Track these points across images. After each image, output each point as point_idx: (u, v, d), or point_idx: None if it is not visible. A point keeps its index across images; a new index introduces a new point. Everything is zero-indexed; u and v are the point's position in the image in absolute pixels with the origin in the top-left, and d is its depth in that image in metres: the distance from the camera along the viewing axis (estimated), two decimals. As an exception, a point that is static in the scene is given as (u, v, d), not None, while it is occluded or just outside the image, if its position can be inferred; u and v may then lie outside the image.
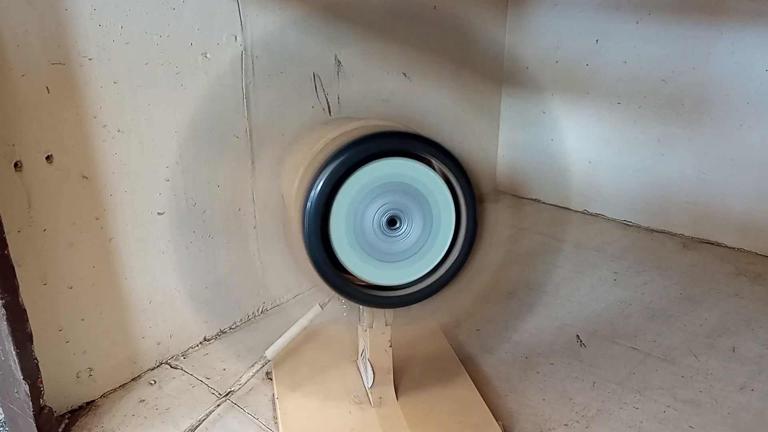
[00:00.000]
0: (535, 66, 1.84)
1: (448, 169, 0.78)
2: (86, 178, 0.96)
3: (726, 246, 1.63)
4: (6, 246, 0.80)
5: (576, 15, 1.72)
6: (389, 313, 0.93)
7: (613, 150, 1.76)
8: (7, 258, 0.80)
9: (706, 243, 1.66)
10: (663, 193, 1.70)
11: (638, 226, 1.77)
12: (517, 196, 2.02)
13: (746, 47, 1.47)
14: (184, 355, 1.18)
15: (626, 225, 1.79)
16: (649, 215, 1.75)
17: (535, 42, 1.82)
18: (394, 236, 0.79)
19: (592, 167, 1.82)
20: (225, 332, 1.25)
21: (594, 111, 1.76)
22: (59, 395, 1.00)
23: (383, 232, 0.78)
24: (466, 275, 0.84)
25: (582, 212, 1.88)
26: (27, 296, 0.85)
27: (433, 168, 0.79)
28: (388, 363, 0.97)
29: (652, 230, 1.74)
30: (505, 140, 2.00)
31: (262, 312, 1.32)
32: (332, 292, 0.79)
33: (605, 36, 1.68)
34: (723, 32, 1.49)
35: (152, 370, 1.14)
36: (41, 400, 0.89)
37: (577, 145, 1.83)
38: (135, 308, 1.08)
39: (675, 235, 1.71)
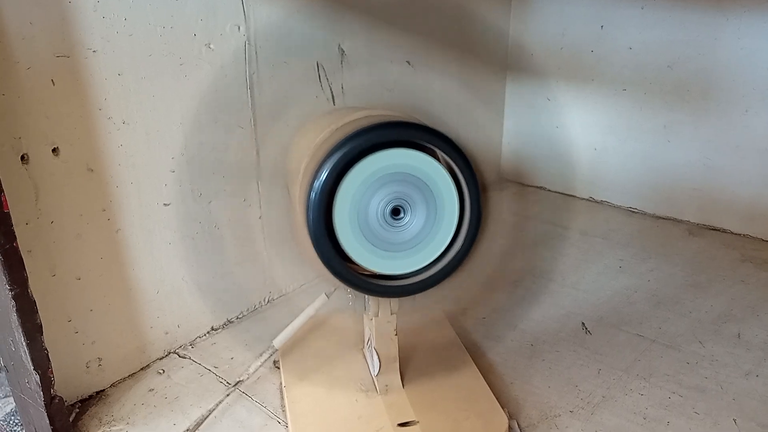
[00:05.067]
0: (539, 53, 1.83)
1: (451, 158, 0.78)
2: (92, 170, 0.97)
3: (732, 232, 1.63)
4: (15, 238, 0.81)
5: (581, 1, 1.70)
6: (394, 302, 0.93)
7: (619, 137, 1.76)
8: (16, 250, 0.81)
9: (712, 229, 1.65)
10: (669, 179, 1.70)
11: (644, 213, 1.77)
12: (522, 184, 2.01)
13: (752, 33, 1.46)
14: (192, 344, 1.19)
15: (632, 212, 1.78)
16: (655, 202, 1.75)
17: (539, 29, 1.81)
18: (398, 226, 0.79)
19: (597, 154, 1.81)
20: (232, 322, 1.26)
21: (599, 98, 1.76)
22: (69, 385, 1.02)
23: (387, 222, 0.78)
24: (471, 264, 0.84)
25: (587, 200, 1.88)
26: (36, 287, 0.86)
27: (437, 157, 0.79)
28: (394, 351, 0.98)
29: (658, 217, 1.74)
30: (510, 128, 1.99)
31: (268, 302, 1.33)
32: (338, 282, 0.79)
33: (610, 22, 1.67)
34: (729, 18, 1.48)
35: (161, 359, 1.15)
36: (52, 390, 0.90)
37: (582, 133, 1.82)
38: (143, 299, 1.09)
39: (681, 221, 1.71)
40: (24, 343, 0.85)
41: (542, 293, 1.36)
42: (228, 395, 1.04)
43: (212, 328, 1.23)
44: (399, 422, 0.92)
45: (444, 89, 1.68)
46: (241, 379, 1.07)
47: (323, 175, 0.74)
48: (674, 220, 1.72)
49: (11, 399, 1.04)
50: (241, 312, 1.29)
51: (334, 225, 0.76)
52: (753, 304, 1.30)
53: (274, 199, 1.26)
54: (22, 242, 0.84)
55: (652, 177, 1.73)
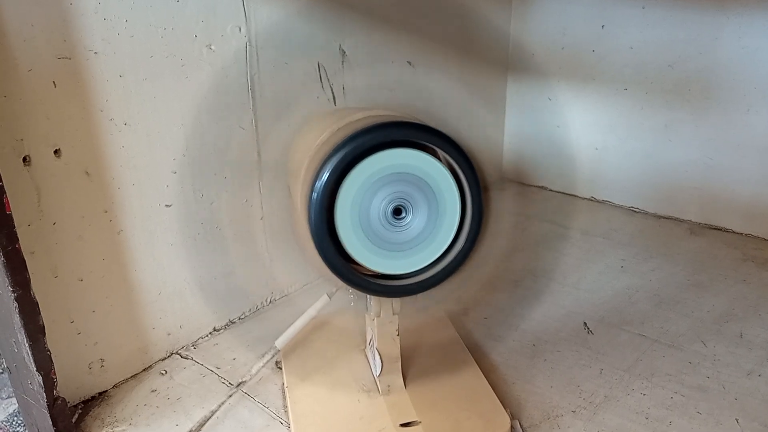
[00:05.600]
0: (540, 52, 1.83)
1: (453, 158, 0.78)
2: (93, 172, 0.97)
3: (733, 231, 1.63)
4: (17, 240, 0.81)
5: (582, 0, 1.70)
6: (396, 302, 0.93)
7: (620, 136, 1.76)
8: (19, 251, 0.81)
9: (714, 229, 1.65)
10: (670, 179, 1.70)
11: (645, 213, 1.77)
12: (523, 184, 2.01)
13: (753, 32, 1.46)
14: (194, 345, 1.19)
15: (633, 211, 1.78)
16: (656, 201, 1.75)
17: (540, 28, 1.81)
18: (400, 226, 0.79)
19: (598, 154, 1.81)
20: (234, 322, 1.26)
21: (600, 97, 1.76)
22: (72, 386, 1.02)
23: (389, 222, 0.78)
24: (472, 263, 0.84)
25: (589, 199, 1.88)
26: (38, 289, 0.86)
27: (438, 157, 0.79)
28: (396, 351, 0.98)
29: (659, 216, 1.74)
30: (511, 127, 1.99)
31: (270, 302, 1.33)
32: (340, 282, 0.79)
33: (611, 21, 1.67)
34: (730, 17, 1.48)
35: (163, 360, 1.15)
36: (54, 391, 0.90)
37: (583, 132, 1.82)
38: (145, 300, 1.09)
39: (682, 221, 1.70)
40: (27, 345, 0.85)
41: (544, 293, 1.36)
42: (230, 396, 1.04)
43: (214, 329, 1.23)
44: (401, 422, 0.92)
45: (445, 89, 1.68)
46: (243, 379, 1.07)
47: (325, 176, 0.74)
48: (676, 219, 1.72)
49: (14, 400, 1.04)
50: (243, 313, 1.29)
51: (335, 225, 0.76)
52: (755, 303, 1.30)
53: (275, 199, 1.26)
54: (25, 244, 0.84)
55: (654, 176, 1.73)
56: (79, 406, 1.03)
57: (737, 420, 0.97)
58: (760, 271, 1.43)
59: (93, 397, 1.05)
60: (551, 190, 1.95)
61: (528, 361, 1.12)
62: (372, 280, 0.81)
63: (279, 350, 1.09)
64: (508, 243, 1.61)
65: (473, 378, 1.03)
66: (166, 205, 1.08)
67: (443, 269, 0.82)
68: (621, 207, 1.81)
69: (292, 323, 1.08)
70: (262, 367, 1.08)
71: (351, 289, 0.81)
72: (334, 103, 1.33)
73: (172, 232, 1.10)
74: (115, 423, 0.99)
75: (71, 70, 0.90)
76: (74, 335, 1.00)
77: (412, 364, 1.05)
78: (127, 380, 1.09)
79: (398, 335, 0.97)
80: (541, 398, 1.03)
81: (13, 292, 0.82)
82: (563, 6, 1.74)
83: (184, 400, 1.04)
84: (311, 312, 1.08)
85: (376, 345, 0.97)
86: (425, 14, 1.54)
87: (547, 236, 1.66)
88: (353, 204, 0.76)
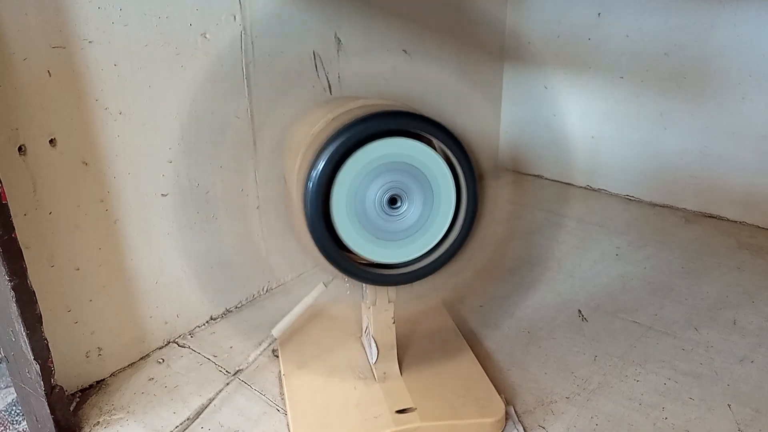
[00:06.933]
0: (536, 41, 1.83)
1: (448, 147, 0.78)
2: (89, 161, 0.97)
3: (728, 219, 1.64)
4: (13, 229, 0.81)
5: (578, -12, 1.70)
6: (392, 290, 0.94)
7: (616, 125, 1.76)
8: (15, 241, 0.81)
9: (709, 217, 1.66)
10: (665, 167, 1.70)
11: (641, 201, 1.77)
12: (519, 172, 2.02)
13: (748, 20, 1.46)
14: (191, 334, 1.20)
15: (629, 200, 1.79)
16: (652, 190, 1.75)
17: (536, 16, 1.80)
18: (396, 215, 0.79)
19: (594, 142, 1.82)
20: (231, 311, 1.27)
21: (596, 86, 1.76)
22: (70, 374, 1.02)
23: (384, 211, 0.79)
24: (468, 252, 0.84)
25: (584, 187, 1.88)
26: (35, 278, 0.86)
27: (434, 147, 0.79)
28: (392, 339, 0.98)
29: (655, 205, 1.75)
30: (507, 116, 1.99)
31: (266, 291, 1.34)
32: (335, 271, 0.80)
33: (607, 9, 1.66)
34: (725, 5, 1.48)
35: (160, 348, 1.15)
36: (52, 380, 0.90)
37: (579, 121, 1.82)
38: (142, 288, 1.09)
39: (677, 209, 1.71)
40: (24, 334, 0.85)
41: (539, 281, 1.37)
42: (227, 384, 1.05)
43: (211, 318, 1.24)
44: (397, 409, 0.93)
45: (441, 78, 1.68)
46: (240, 368, 1.07)
47: (320, 165, 0.74)
48: (671, 207, 1.72)
49: (12, 389, 1.05)
50: (240, 301, 1.29)
51: (331, 214, 0.77)
52: (749, 290, 1.31)
53: (271, 189, 1.26)
54: (21, 233, 0.84)
55: (649, 165, 1.73)
56: (77, 395, 1.03)
57: (729, 406, 0.98)
58: (755, 258, 1.44)
59: (91, 386, 1.06)
60: (547, 179, 1.96)
61: (523, 348, 1.13)
62: (368, 269, 0.81)
63: (276, 338, 1.10)
64: (503, 231, 1.61)
65: (468, 365, 1.04)
66: (162, 195, 1.08)
67: (438, 258, 0.83)
68: (617, 195, 1.82)
69: (288, 312, 1.09)
70: (259, 355, 1.09)
71: (347, 278, 0.82)
72: (330, 91, 1.33)
73: (169, 221, 1.10)
74: (113, 411, 1.00)
75: (66, 60, 0.90)
76: (71, 324, 1.01)
77: (408, 351, 1.06)
78: (124, 369, 1.10)
79: (394, 323, 0.97)
80: (535, 384, 1.04)
81: (10, 281, 0.82)
82: (559, -6, 1.74)
83: (181, 389, 1.05)
84: (307, 300, 1.08)
85: (371, 333, 0.97)
86: (421, 2, 1.53)
87: (542, 224, 1.66)
88: (349, 193, 0.76)
